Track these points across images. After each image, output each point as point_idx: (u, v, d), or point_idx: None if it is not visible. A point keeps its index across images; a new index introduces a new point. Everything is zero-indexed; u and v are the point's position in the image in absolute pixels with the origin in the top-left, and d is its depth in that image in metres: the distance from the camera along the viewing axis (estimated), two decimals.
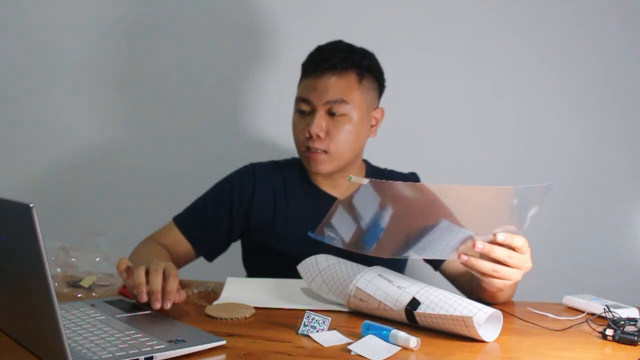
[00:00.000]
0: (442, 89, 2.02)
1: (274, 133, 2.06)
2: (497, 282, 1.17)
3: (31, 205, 0.81)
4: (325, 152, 1.51)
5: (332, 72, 1.52)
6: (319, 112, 1.51)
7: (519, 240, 1.14)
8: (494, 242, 1.14)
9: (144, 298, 1.15)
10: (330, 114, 1.51)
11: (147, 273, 1.18)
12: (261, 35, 2.06)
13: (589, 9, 1.98)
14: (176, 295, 1.17)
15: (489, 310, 1.09)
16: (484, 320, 1.08)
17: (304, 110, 1.54)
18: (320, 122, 1.50)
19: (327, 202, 1.57)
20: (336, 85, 1.51)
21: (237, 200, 1.60)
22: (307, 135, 1.51)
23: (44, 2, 2.12)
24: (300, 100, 1.55)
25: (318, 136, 1.50)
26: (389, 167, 1.70)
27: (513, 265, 1.14)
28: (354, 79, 1.53)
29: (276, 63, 2.05)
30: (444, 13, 2.01)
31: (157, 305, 1.15)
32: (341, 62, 1.52)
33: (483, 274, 1.16)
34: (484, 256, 1.15)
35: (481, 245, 1.13)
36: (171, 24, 2.09)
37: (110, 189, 2.14)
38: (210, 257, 1.62)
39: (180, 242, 1.57)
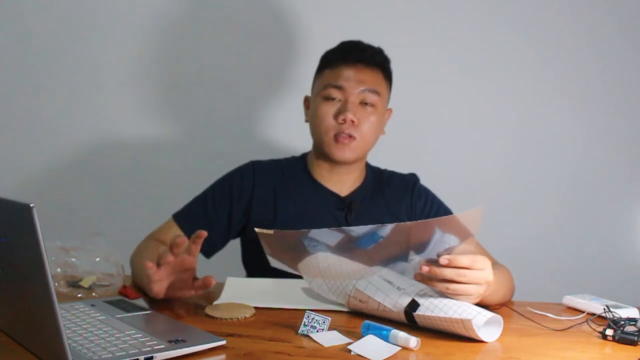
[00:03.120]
0: (442, 88, 2.02)
1: (274, 132, 2.06)
2: (462, 298, 1.16)
3: (31, 205, 0.81)
4: (354, 138, 1.54)
5: (366, 64, 1.56)
6: (353, 99, 1.54)
7: (464, 260, 1.13)
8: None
9: (171, 258, 1.19)
10: (363, 103, 1.55)
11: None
12: (262, 35, 2.06)
13: (589, 9, 1.98)
14: (208, 278, 1.22)
15: (488, 313, 1.09)
16: (483, 324, 1.08)
17: (334, 97, 1.55)
18: (355, 109, 1.54)
19: (329, 199, 1.58)
20: (371, 77, 1.56)
21: (236, 197, 1.60)
22: (340, 121, 1.53)
23: (44, 2, 2.12)
24: (331, 86, 1.56)
25: (352, 122, 1.53)
26: (389, 168, 1.70)
27: (467, 282, 1.14)
28: (382, 74, 1.59)
29: (277, 63, 2.05)
30: (444, 13, 2.01)
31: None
32: (373, 57, 1.58)
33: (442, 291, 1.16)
34: None
35: (427, 268, 1.14)
36: (172, 24, 2.09)
37: (111, 188, 2.14)
38: (208, 255, 1.62)
39: None
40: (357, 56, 1.57)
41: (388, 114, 1.66)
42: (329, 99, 1.56)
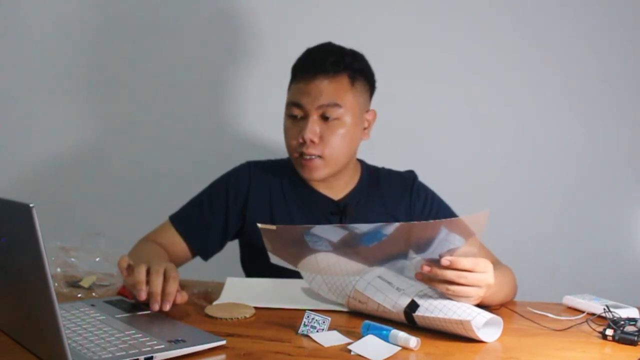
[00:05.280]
0: (442, 88, 2.02)
1: (271, 132, 2.05)
2: (461, 299, 1.16)
3: (31, 205, 0.81)
4: (320, 157, 1.49)
5: (324, 76, 1.49)
6: (312, 116, 1.48)
7: (466, 263, 1.13)
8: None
9: (143, 296, 1.15)
10: (324, 118, 1.49)
11: (147, 273, 1.18)
12: (260, 35, 2.06)
13: (589, 8, 1.97)
14: (178, 296, 1.18)
15: (487, 314, 1.09)
16: (482, 325, 1.08)
17: (295, 114, 1.51)
18: (313, 127, 1.48)
19: (323, 202, 1.58)
20: (329, 89, 1.48)
21: (232, 198, 1.59)
22: (300, 140, 1.49)
23: (43, 2, 2.12)
24: (291, 104, 1.52)
25: (312, 141, 1.48)
26: (387, 167, 1.69)
27: (467, 284, 1.14)
28: (347, 82, 1.50)
29: (274, 63, 2.04)
30: (443, 12, 2.00)
31: (156, 307, 1.15)
32: (333, 65, 1.49)
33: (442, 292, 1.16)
34: None
35: (428, 268, 1.14)
36: (169, 24, 2.09)
37: (110, 189, 2.14)
38: (206, 257, 1.61)
39: (177, 242, 1.56)
40: (316, 68, 1.49)
41: (372, 116, 1.57)
42: (291, 116, 1.52)
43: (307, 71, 1.50)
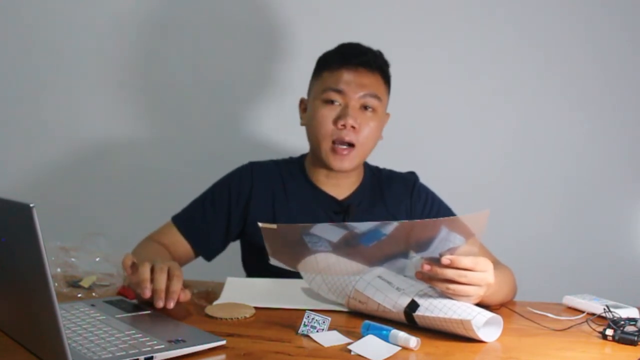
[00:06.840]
0: (442, 88, 2.02)
1: (274, 133, 2.06)
2: (461, 298, 1.16)
3: (31, 205, 0.81)
4: (352, 146, 1.52)
5: (366, 68, 1.53)
6: (353, 103, 1.52)
7: (466, 262, 1.13)
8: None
9: (148, 294, 1.16)
10: (363, 107, 1.53)
11: (152, 271, 1.18)
12: (263, 35, 2.06)
13: (589, 8, 1.97)
14: (181, 294, 1.18)
15: (487, 314, 1.09)
16: (483, 324, 1.08)
17: (334, 100, 1.52)
18: (355, 113, 1.51)
19: (327, 202, 1.58)
20: (371, 80, 1.54)
21: (235, 199, 1.59)
22: (339, 126, 1.50)
23: (43, 3, 2.12)
24: (331, 90, 1.52)
25: (353, 127, 1.50)
26: (388, 167, 1.70)
27: (467, 283, 1.14)
28: (381, 79, 1.56)
29: (277, 63, 2.05)
30: (443, 12, 2.01)
31: (160, 304, 1.15)
32: (374, 60, 1.55)
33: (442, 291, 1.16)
34: None
35: (428, 267, 1.15)
36: (172, 24, 2.09)
37: (110, 189, 2.14)
38: (209, 257, 1.62)
39: (179, 242, 1.57)
40: (357, 59, 1.53)
41: (386, 119, 1.63)
42: (328, 102, 1.53)
43: (349, 60, 1.54)
